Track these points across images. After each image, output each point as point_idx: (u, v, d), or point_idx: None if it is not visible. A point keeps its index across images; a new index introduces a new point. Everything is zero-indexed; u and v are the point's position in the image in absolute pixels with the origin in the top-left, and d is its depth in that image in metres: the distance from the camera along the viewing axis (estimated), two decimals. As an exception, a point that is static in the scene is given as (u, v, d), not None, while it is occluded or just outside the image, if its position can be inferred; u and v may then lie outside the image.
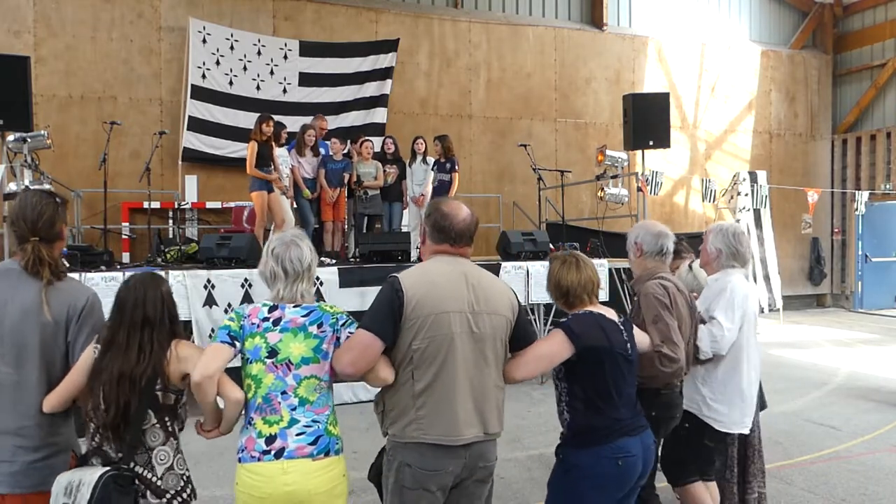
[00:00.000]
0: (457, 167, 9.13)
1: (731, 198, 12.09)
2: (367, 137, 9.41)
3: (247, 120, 10.30)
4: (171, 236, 9.68)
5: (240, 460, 2.35)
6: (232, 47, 10.81)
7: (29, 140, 7.44)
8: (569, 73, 13.38)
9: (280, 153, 8.23)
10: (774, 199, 12.84)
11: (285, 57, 11.12)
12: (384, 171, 9.00)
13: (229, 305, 6.70)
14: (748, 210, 11.83)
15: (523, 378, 2.61)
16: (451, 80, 12.55)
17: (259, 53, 10.99)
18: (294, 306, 2.46)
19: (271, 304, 2.47)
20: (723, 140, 14.73)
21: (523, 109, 13.02)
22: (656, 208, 13.43)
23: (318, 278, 7.01)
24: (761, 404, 3.88)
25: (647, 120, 9.64)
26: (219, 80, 10.70)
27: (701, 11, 14.61)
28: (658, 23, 14.23)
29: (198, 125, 10.55)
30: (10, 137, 7.44)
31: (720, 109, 14.63)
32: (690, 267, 3.96)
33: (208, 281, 6.65)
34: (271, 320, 2.41)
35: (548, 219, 11.10)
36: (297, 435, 2.34)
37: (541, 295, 8.01)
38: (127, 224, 10.02)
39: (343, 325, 2.47)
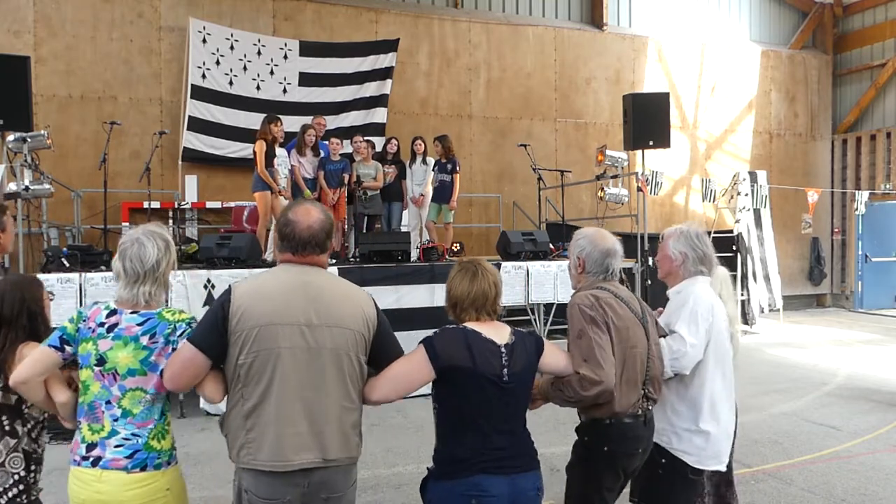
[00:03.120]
0: (458, 168, 9.13)
1: (731, 198, 12.10)
2: (364, 138, 9.41)
3: (247, 120, 10.31)
4: (171, 236, 9.67)
5: (69, 462, 2.35)
6: (232, 47, 10.81)
7: (29, 140, 7.44)
8: (569, 73, 13.38)
9: (279, 153, 8.23)
10: (774, 199, 12.85)
11: (285, 57, 11.12)
12: (384, 171, 9.01)
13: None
14: (748, 210, 11.84)
15: (380, 400, 2.38)
16: (451, 80, 12.55)
17: (259, 53, 10.99)
18: (132, 312, 2.34)
19: (113, 307, 2.36)
20: (723, 140, 14.73)
21: (523, 109, 13.02)
22: (656, 208, 13.44)
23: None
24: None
25: (647, 120, 9.63)
26: (219, 80, 10.70)
27: (701, 11, 14.61)
28: (658, 23, 14.23)
29: (198, 125, 10.55)
30: (10, 137, 7.44)
31: (720, 109, 14.63)
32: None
33: (208, 281, 6.66)
34: (106, 326, 2.32)
35: (548, 219, 11.10)
36: (116, 447, 2.28)
37: (541, 295, 8.02)
38: (127, 224, 10.00)
39: (181, 335, 2.32)
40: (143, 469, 2.28)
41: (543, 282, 7.97)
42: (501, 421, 2.36)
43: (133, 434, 2.29)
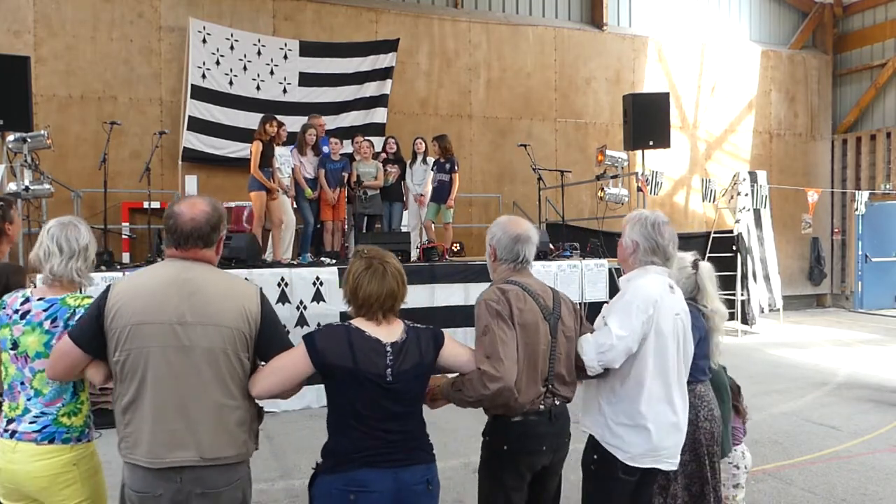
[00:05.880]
0: (456, 167, 9.12)
1: (731, 198, 12.10)
2: (365, 137, 9.41)
3: (247, 120, 10.30)
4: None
5: None
6: (232, 47, 10.81)
7: (29, 140, 7.44)
8: (569, 73, 13.38)
9: (281, 153, 8.23)
10: (774, 199, 12.84)
11: (285, 57, 11.12)
12: (386, 171, 9.00)
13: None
14: (748, 210, 11.84)
15: (261, 393, 2.33)
16: (451, 80, 12.55)
17: (259, 53, 10.99)
18: (39, 299, 2.52)
19: (28, 294, 2.56)
20: (723, 140, 14.73)
21: (523, 109, 13.02)
22: (656, 208, 13.36)
23: (318, 278, 7.02)
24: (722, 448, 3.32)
25: (647, 120, 9.64)
26: (219, 80, 10.70)
27: (701, 11, 14.61)
28: (658, 23, 14.23)
29: (198, 125, 10.55)
30: (10, 137, 7.44)
31: (720, 109, 14.63)
32: (695, 265, 3.27)
33: (208, 281, 6.65)
34: (20, 313, 2.51)
35: (548, 219, 11.10)
36: (29, 423, 2.48)
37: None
38: (127, 224, 10.02)
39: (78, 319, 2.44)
40: (52, 442, 2.46)
41: (543, 281, 7.96)
42: (387, 419, 2.31)
43: (42, 412, 2.48)
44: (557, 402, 2.68)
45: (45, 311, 2.49)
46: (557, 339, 2.66)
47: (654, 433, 2.66)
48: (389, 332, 2.35)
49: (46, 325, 2.48)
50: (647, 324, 2.65)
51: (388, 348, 2.32)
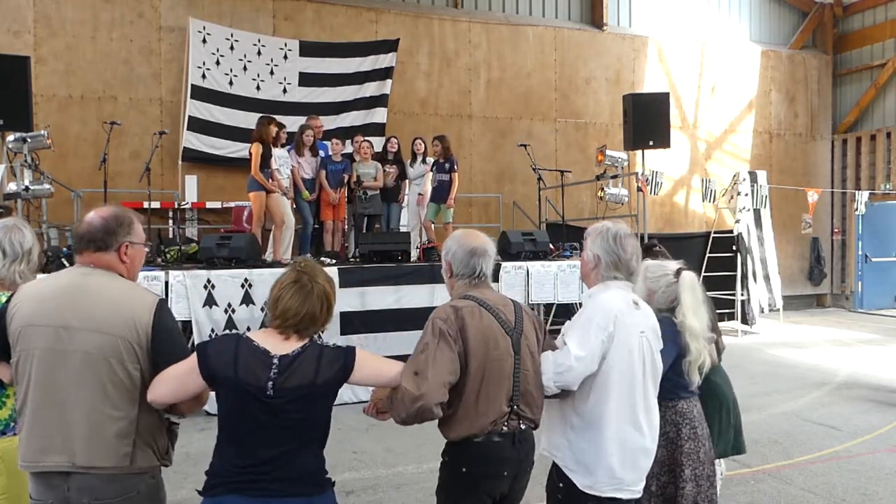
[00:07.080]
0: (456, 167, 9.14)
1: (731, 198, 12.11)
2: (365, 138, 9.42)
3: (247, 120, 10.30)
4: (171, 236, 9.69)
5: None
6: (232, 47, 10.81)
7: (29, 140, 7.44)
8: (569, 73, 13.38)
9: (280, 154, 8.24)
10: (774, 199, 12.85)
11: (285, 57, 11.12)
12: (384, 171, 9.01)
13: (229, 305, 6.71)
14: (748, 210, 11.85)
15: (155, 401, 2.24)
16: (451, 80, 12.55)
17: (259, 53, 10.99)
18: None
19: None
20: (723, 140, 14.73)
21: (523, 109, 13.02)
22: (656, 208, 13.44)
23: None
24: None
25: (647, 120, 9.65)
26: (219, 80, 10.70)
27: (701, 11, 14.61)
28: (658, 23, 14.23)
29: (198, 125, 10.55)
30: (10, 137, 7.44)
31: (720, 109, 14.63)
32: (678, 274, 3.10)
33: (208, 281, 6.66)
34: None
35: (548, 219, 11.11)
36: None
37: (541, 295, 8.03)
38: (127, 224, 9.99)
39: None
40: None
41: (543, 282, 7.97)
42: (268, 442, 2.15)
43: None
44: (523, 427, 2.52)
45: None
46: (521, 356, 2.51)
47: (617, 461, 2.51)
48: (285, 345, 2.21)
49: None
50: (608, 342, 2.51)
51: (276, 360, 2.16)
